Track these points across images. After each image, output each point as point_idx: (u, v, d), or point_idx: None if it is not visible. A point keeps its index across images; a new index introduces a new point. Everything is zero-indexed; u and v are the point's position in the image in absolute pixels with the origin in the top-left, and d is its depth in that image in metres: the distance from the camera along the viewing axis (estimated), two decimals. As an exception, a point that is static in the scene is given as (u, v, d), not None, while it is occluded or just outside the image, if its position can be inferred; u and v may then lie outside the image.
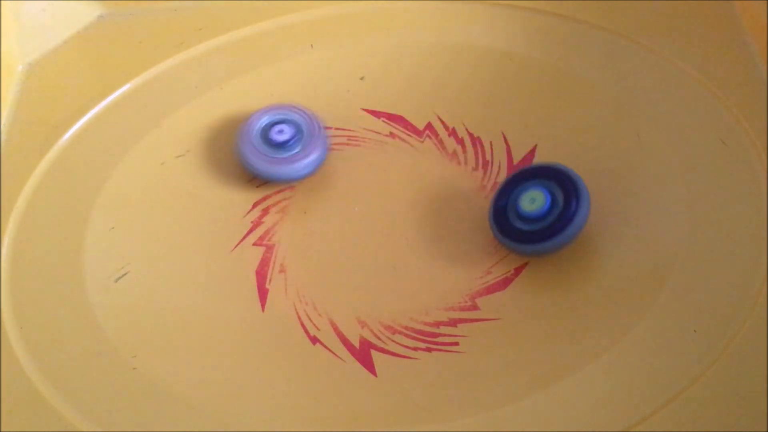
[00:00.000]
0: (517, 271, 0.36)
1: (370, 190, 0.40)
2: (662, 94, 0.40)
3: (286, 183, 0.40)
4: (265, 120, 0.39)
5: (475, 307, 0.35)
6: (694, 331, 0.32)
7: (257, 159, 0.38)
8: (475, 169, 0.40)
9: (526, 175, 0.35)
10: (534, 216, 0.34)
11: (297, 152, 0.38)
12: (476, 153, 0.40)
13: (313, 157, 0.38)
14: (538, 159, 0.39)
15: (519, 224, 0.35)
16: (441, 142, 0.41)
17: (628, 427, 0.30)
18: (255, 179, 0.40)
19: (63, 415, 0.32)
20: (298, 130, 0.39)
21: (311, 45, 0.44)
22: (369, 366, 0.34)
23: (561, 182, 0.34)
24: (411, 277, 0.37)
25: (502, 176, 0.39)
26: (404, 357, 0.34)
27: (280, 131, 0.38)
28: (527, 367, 0.33)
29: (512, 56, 0.43)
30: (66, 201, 0.39)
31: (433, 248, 0.38)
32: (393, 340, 0.34)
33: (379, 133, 0.42)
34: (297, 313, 0.36)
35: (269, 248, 0.38)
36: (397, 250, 0.38)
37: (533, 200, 0.34)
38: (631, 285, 0.35)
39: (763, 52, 0.40)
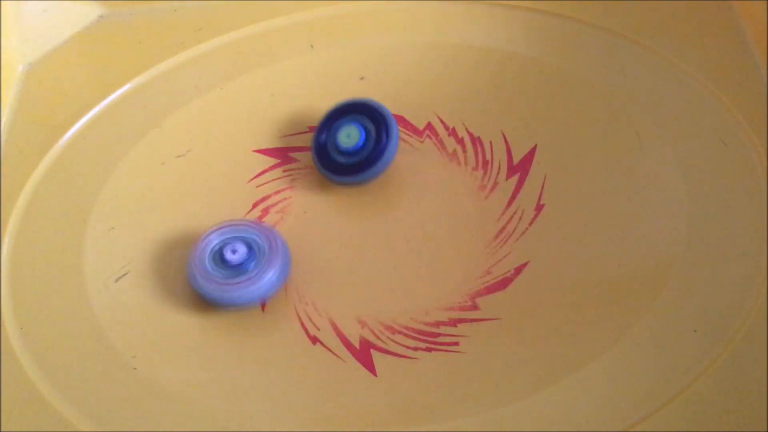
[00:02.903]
0: (517, 271, 0.36)
1: (370, 190, 0.40)
2: (662, 94, 0.40)
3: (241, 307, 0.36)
4: (216, 240, 0.36)
5: (475, 307, 0.35)
6: (694, 330, 0.32)
7: (209, 283, 0.35)
8: (475, 168, 0.40)
9: (342, 112, 0.39)
10: (350, 150, 0.38)
11: (254, 273, 0.35)
12: (476, 153, 0.40)
13: (269, 276, 0.35)
14: (538, 159, 0.39)
15: (339, 158, 0.38)
16: (441, 142, 0.41)
17: (628, 426, 0.30)
18: (255, 179, 0.40)
19: (63, 414, 0.32)
20: (251, 249, 0.35)
21: (311, 45, 0.44)
22: (369, 366, 0.34)
23: (373, 117, 0.38)
24: (411, 277, 0.37)
25: (503, 176, 0.39)
26: (404, 357, 0.34)
27: (234, 251, 0.35)
28: (527, 367, 0.33)
29: (512, 56, 0.43)
30: (66, 201, 0.39)
31: (433, 248, 0.38)
32: (393, 340, 0.34)
33: (379, 133, 0.42)
34: (297, 312, 0.36)
35: (269, 248, 0.38)
36: (397, 250, 0.38)
37: (349, 136, 0.38)
38: (631, 285, 0.35)
39: (763, 52, 0.40)
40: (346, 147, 0.38)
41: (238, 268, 0.35)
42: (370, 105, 0.39)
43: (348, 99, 0.40)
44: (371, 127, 0.38)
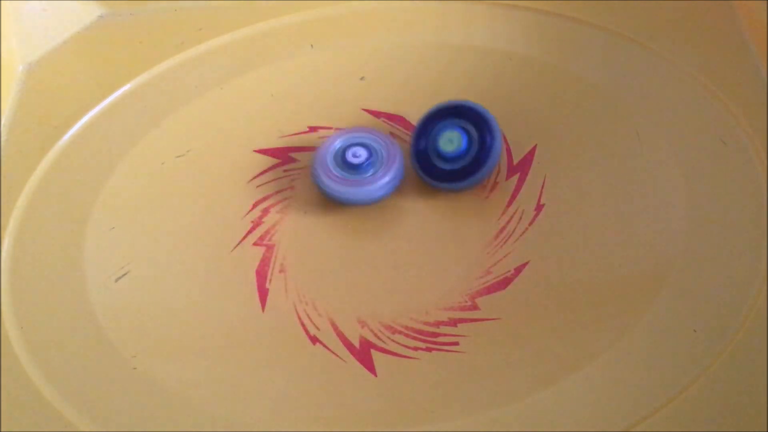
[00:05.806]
0: (517, 271, 0.36)
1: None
2: (662, 94, 0.40)
3: (360, 205, 0.39)
4: (339, 143, 0.39)
5: (475, 307, 0.35)
6: (694, 331, 0.32)
7: (331, 181, 0.38)
8: (476, 169, 0.40)
9: (440, 115, 0.38)
10: (453, 156, 0.37)
11: (371, 174, 0.38)
12: (476, 153, 0.40)
13: (387, 179, 0.38)
14: (538, 159, 0.39)
15: (441, 164, 0.38)
16: (441, 142, 0.41)
17: (628, 427, 0.30)
18: (255, 179, 0.40)
19: (63, 414, 0.32)
20: (373, 153, 0.38)
21: (311, 45, 0.44)
22: (369, 366, 0.34)
23: (473, 120, 0.38)
24: (411, 277, 0.37)
25: (503, 176, 0.39)
26: (404, 357, 0.34)
27: (355, 154, 0.38)
28: (527, 367, 0.33)
29: (512, 56, 0.43)
30: (66, 201, 0.39)
31: (433, 248, 0.38)
32: (393, 340, 0.34)
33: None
34: (297, 313, 0.36)
35: (269, 248, 0.38)
36: (397, 249, 0.38)
37: (451, 141, 0.37)
38: (631, 285, 0.35)
39: (763, 52, 0.40)
40: (448, 153, 0.37)
41: (359, 169, 0.38)
42: (469, 107, 0.38)
43: (444, 102, 0.39)
44: (472, 130, 0.37)
